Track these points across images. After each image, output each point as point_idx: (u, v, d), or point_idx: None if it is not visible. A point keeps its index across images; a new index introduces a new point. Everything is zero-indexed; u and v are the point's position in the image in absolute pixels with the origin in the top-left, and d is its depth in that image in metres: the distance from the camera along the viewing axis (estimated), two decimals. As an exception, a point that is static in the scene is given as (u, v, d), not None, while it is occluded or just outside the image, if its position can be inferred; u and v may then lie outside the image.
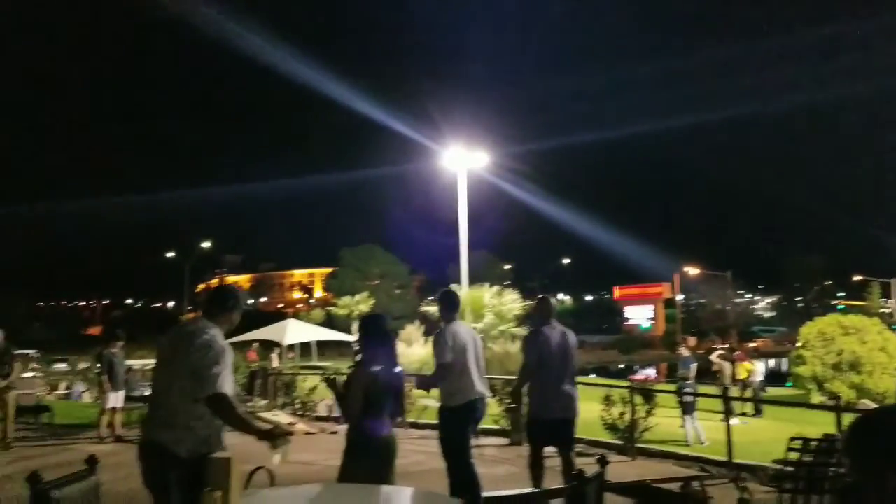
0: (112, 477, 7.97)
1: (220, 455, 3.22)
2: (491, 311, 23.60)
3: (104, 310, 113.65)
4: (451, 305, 6.28)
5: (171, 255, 73.52)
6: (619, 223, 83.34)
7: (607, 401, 10.70)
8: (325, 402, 15.22)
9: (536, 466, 6.45)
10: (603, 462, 3.85)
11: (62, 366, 40.52)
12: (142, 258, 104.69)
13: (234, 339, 13.69)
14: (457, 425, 5.95)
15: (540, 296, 7.11)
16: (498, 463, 9.13)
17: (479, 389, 5.99)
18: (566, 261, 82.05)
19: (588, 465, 3.68)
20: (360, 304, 50.51)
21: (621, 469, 8.44)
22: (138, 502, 6.93)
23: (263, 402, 15.65)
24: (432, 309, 28.82)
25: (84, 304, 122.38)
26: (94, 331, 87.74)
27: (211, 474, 3.13)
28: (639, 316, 79.15)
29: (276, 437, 3.59)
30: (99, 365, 11.90)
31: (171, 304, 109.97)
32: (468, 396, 5.90)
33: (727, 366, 17.25)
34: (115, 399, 11.57)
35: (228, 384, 3.68)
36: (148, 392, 14.03)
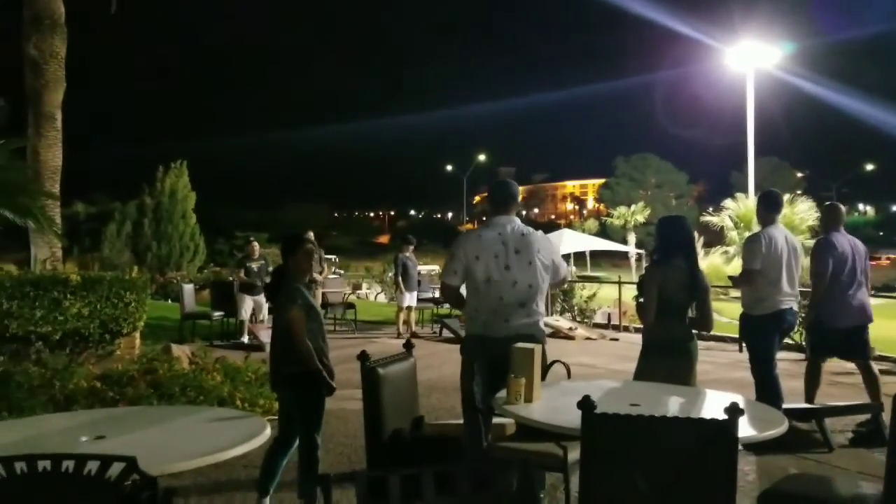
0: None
1: (525, 345, 3.31)
2: (781, 221, 21.89)
3: (391, 220, 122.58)
4: (769, 206, 5.95)
5: (449, 168, 77.04)
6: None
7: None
8: (603, 309, 15.30)
9: (814, 377, 6.12)
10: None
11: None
12: (424, 171, 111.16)
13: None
14: (760, 335, 5.70)
15: (827, 203, 6.67)
16: (794, 377, 8.62)
17: (788, 300, 5.65)
18: (870, 167, 72.90)
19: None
20: (636, 214, 49.14)
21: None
22: (438, 391, 7.56)
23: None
24: (713, 219, 27.49)
25: (373, 214, 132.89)
26: (383, 239, 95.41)
27: (516, 362, 3.25)
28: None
29: None
30: (394, 267, 12.90)
31: (450, 214, 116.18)
32: (776, 306, 5.59)
33: None
34: (410, 299, 12.51)
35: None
36: (437, 294, 15.10)
